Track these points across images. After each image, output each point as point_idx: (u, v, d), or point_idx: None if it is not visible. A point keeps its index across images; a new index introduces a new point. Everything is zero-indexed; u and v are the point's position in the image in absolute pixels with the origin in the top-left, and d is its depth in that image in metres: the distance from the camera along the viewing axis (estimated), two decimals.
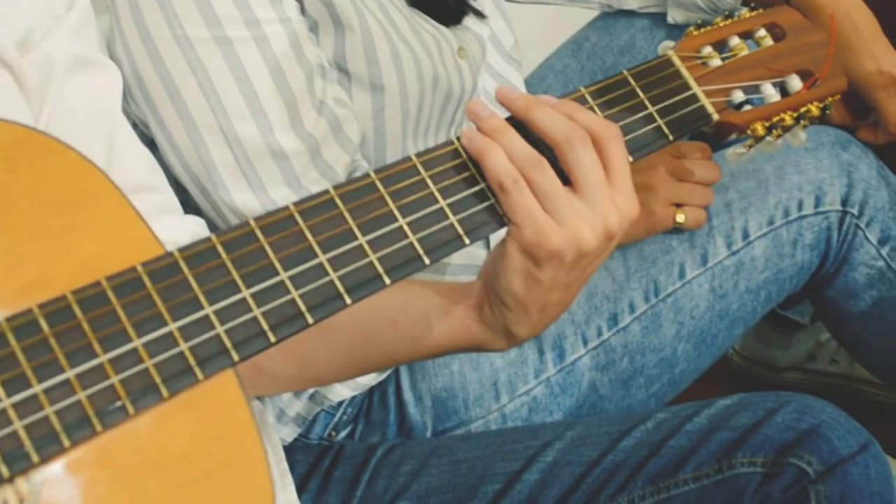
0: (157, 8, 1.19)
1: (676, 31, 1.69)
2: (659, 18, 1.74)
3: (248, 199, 1.22)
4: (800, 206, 1.52)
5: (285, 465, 1.15)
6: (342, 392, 1.39)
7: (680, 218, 1.45)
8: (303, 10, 1.24)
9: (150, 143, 1.26)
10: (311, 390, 1.38)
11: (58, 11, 1.05)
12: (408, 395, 1.41)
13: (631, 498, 1.24)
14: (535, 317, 1.04)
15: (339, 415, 1.41)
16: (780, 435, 1.22)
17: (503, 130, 0.99)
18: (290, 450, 1.36)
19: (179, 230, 1.07)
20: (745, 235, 1.50)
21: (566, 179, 1.00)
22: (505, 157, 0.98)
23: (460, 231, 0.97)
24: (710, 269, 1.48)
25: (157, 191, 1.09)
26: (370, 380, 1.40)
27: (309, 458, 1.35)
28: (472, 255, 1.43)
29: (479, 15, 1.46)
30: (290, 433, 1.39)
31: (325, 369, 1.13)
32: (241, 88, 1.19)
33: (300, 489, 1.31)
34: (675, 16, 1.70)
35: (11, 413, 0.78)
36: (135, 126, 1.24)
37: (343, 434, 1.41)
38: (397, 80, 1.31)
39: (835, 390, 1.98)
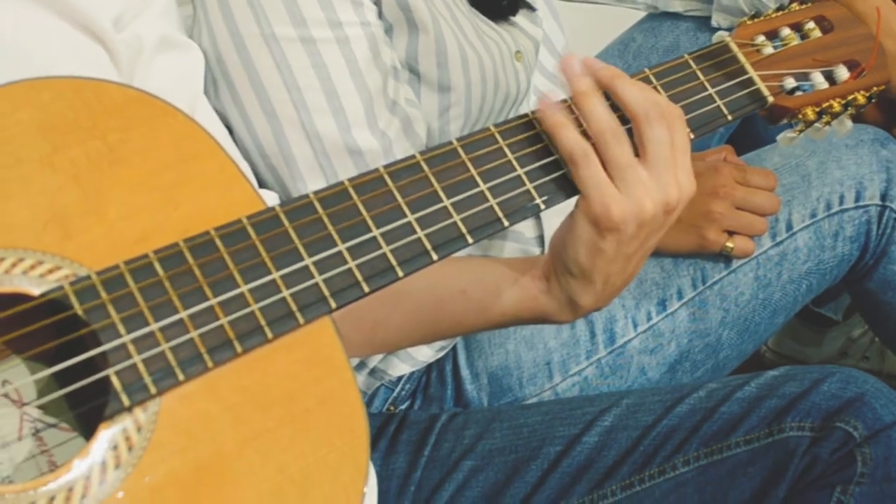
0: (247, 6, 1.25)
1: None
2: (703, 21, 1.80)
3: None
4: (841, 200, 1.57)
5: None
6: (401, 367, 1.45)
7: (729, 245, 1.51)
8: (380, 14, 1.31)
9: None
10: (371, 365, 1.44)
11: None
12: (465, 372, 1.47)
13: (686, 459, 1.30)
14: (599, 287, 1.09)
15: (397, 390, 1.47)
16: (826, 402, 1.28)
17: (591, 94, 1.05)
18: None
19: None
20: (789, 227, 1.55)
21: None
22: (576, 132, 1.04)
23: (537, 197, 1.03)
24: (754, 258, 1.53)
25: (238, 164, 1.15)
26: (428, 356, 1.46)
27: (376, 423, 1.41)
28: (525, 252, 1.50)
29: (530, 7, 1.52)
30: None
31: (395, 335, 1.19)
32: (323, 86, 1.26)
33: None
34: (719, 20, 1.76)
35: (131, 348, 0.84)
36: None
37: (401, 409, 1.47)
38: (464, 83, 1.37)
39: None
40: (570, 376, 1.48)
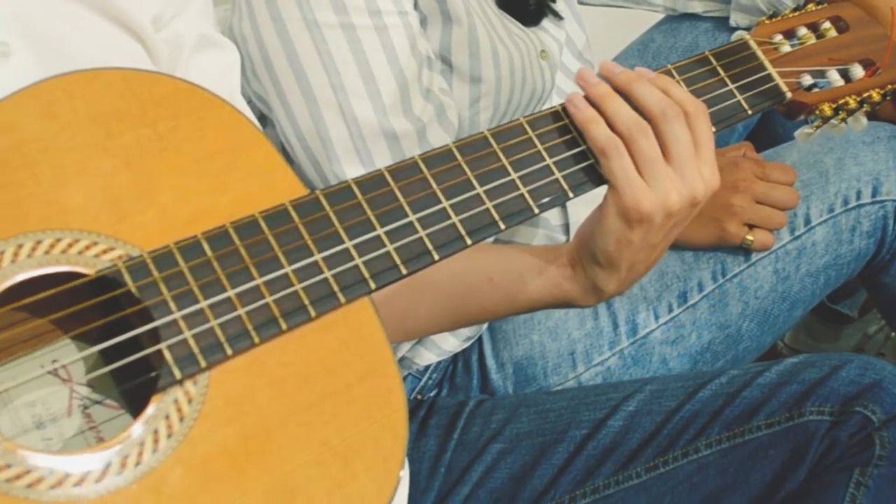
0: None
1: None
2: (721, 22, 1.83)
3: (357, 172, 1.32)
4: (858, 196, 1.60)
5: None
6: (428, 357, 1.49)
7: (749, 238, 1.55)
8: (416, 5, 1.35)
9: (260, 120, 1.37)
10: (398, 354, 1.48)
11: None
12: (490, 362, 1.51)
13: (708, 442, 1.34)
14: (623, 274, 1.14)
15: (424, 379, 1.51)
16: (845, 388, 1.32)
17: (610, 95, 1.09)
18: None
19: None
20: (807, 222, 1.59)
21: None
22: (607, 127, 1.09)
23: (565, 186, 1.07)
24: (773, 252, 1.57)
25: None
26: (455, 346, 1.50)
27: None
28: (551, 238, 1.54)
29: (557, 16, 1.57)
30: None
31: (424, 323, 1.23)
32: (361, 71, 1.30)
33: None
34: (737, 19, 1.80)
35: (182, 324, 0.88)
36: (249, 102, 1.35)
37: (429, 397, 1.51)
38: (494, 75, 1.42)
39: None
40: (594, 366, 1.52)
